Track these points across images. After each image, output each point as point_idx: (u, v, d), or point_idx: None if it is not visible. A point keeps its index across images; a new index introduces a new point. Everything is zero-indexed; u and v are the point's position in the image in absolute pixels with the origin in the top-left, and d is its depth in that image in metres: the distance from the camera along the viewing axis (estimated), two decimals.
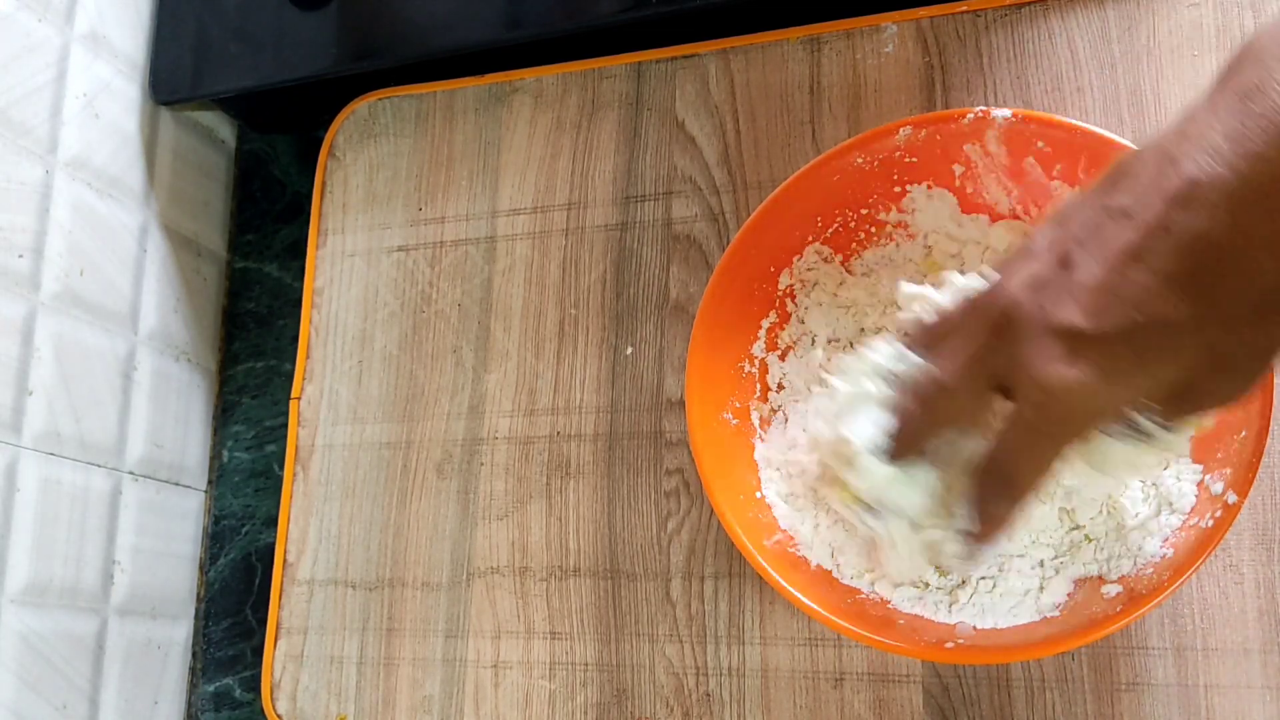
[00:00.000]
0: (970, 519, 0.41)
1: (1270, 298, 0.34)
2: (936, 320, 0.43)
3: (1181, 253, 0.34)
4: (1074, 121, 0.49)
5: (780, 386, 0.55)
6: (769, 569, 0.48)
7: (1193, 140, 0.34)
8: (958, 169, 0.52)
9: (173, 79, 0.68)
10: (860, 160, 0.52)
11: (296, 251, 0.73)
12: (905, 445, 0.43)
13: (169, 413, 0.69)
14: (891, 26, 0.59)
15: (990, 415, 0.41)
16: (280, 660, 0.62)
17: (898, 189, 0.53)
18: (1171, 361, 0.35)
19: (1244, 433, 0.44)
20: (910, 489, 0.44)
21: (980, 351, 0.39)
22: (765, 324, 0.54)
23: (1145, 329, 0.34)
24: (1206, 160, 0.33)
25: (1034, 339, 0.36)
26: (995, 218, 0.53)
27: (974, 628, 0.47)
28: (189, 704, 0.69)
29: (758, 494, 0.52)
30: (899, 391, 0.43)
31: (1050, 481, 0.41)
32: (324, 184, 0.67)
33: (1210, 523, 0.44)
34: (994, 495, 0.40)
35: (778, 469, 0.53)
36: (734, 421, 0.53)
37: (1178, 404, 0.37)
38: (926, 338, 0.43)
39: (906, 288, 0.46)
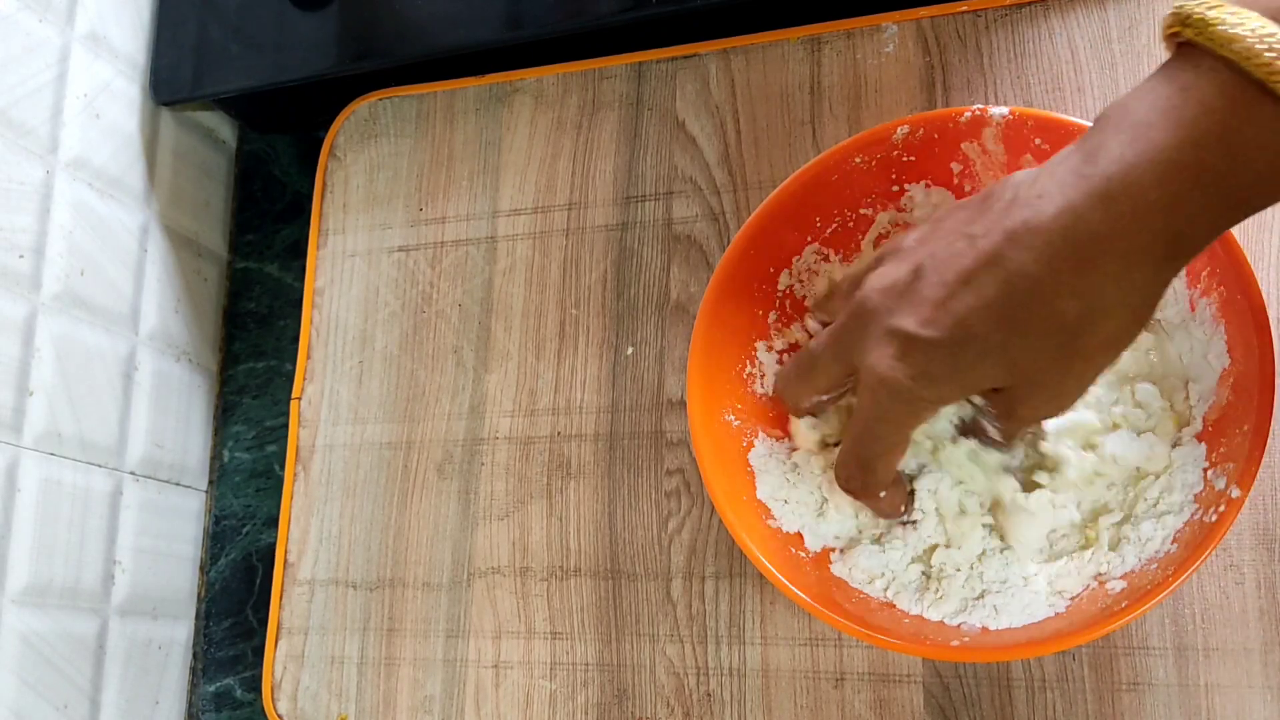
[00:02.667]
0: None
1: (1069, 337, 0.39)
2: (830, 291, 0.51)
3: (1002, 285, 0.39)
4: (1071, 119, 0.49)
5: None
6: (771, 568, 0.48)
7: (1039, 185, 0.39)
8: (956, 167, 0.52)
9: (173, 79, 0.68)
10: (859, 160, 0.52)
11: (297, 251, 0.73)
12: (790, 400, 0.50)
13: (169, 413, 0.69)
14: (892, 26, 0.59)
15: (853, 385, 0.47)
16: (281, 660, 0.62)
17: (896, 188, 0.53)
18: (982, 373, 0.41)
19: (1246, 426, 0.45)
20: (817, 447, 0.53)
21: (840, 330, 0.45)
22: (760, 344, 0.54)
23: (962, 343, 0.40)
24: (1041, 206, 0.38)
25: (876, 335, 0.42)
26: None
27: (981, 628, 0.47)
28: (189, 704, 0.69)
29: (759, 494, 0.52)
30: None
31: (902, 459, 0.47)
32: (324, 184, 0.67)
33: (1214, 517, 0.44)
34: (853, 469, 0.46)
35: (778, 469, 0.53)
36: (735, 422, 0.53)
37: (1004, 412, 0.43)
38: (821, 304, 0.52)
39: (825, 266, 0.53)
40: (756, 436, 0.53)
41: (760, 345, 0.54)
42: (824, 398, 0.48)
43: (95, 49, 0.65)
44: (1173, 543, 0.46)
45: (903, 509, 0.49)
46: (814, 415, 0.52)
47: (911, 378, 0.41)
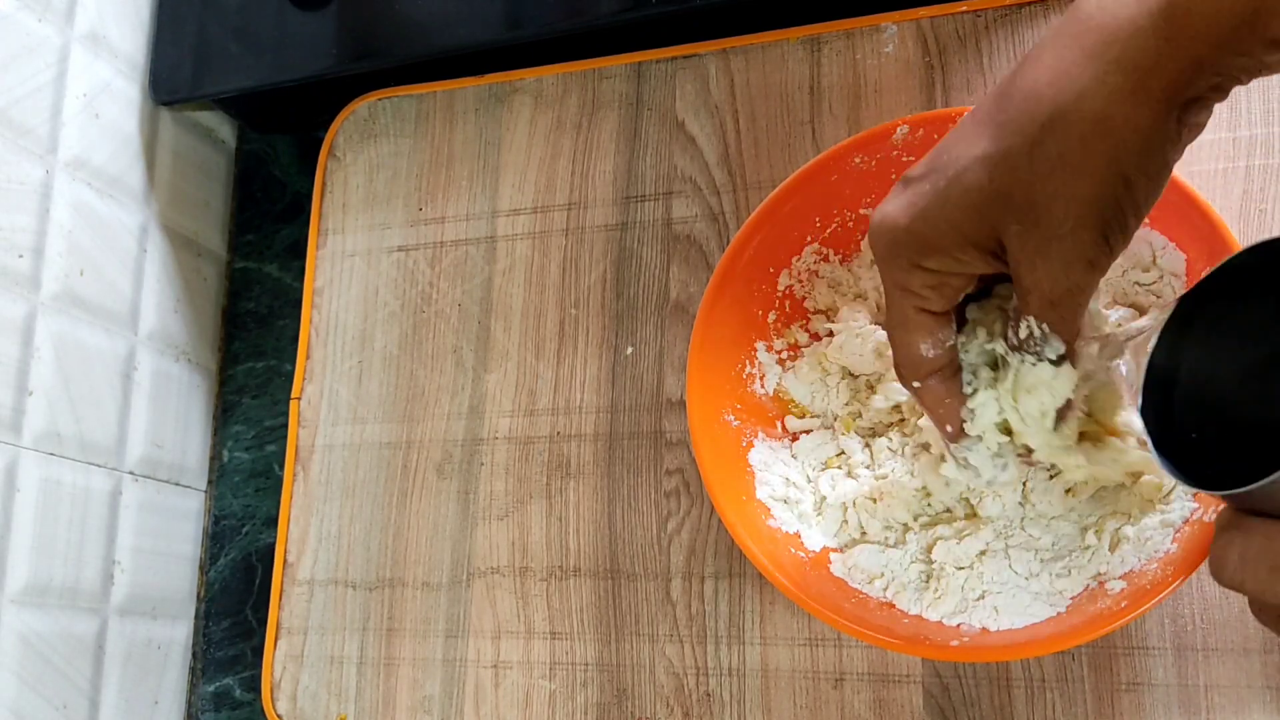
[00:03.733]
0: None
1: (1044, 126, 0.36)
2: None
3: (997, 95, 0.38)
4: None
5: (780, 386, 0.55)
6: (771, 569, 0.48)
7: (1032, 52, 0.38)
8: None
9: (173, 79, 0.68)
10: (859, 160, 0.52)
11: (296, 251, 0.73)
12: (906, 363, 0.44)
13: (169, 413, 0.69)
14: (891, 26, 0.59)
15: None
16: (280, 660, 0.62)
17: None
18: (969, 196, 0.38)
19: None
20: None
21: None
22: (760, 344, 0.54)
23: (947, 163, 0.39)
24: (1036, 62, 0.37)
25: (874, 227, 0.41)
26: None
27: (981, 628, 0.47)
28: (189, 704, 0.69)
29: (759, 494, 0.52)
30: None
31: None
32: (324, 184, 0.67)
33: (1214, 517, 0.44)
34: (898, 366, 0.44)
35: (778, 469, 0.53)
36: (735, 422, 0.53)
37: (1019, 289, 0.40)
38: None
39: None
40: (756, 436, 0.53)
41: (760, 345, 0.54)
42: (929, 347, 0.43)
43: (95, 49, 0.65)
44: (1173, 542, 0.46)
45: (955, 419, 0.45)
46: (940, 375, 0.45)
47: (901, 210, 0.40)
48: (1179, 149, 0.37)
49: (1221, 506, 0.37)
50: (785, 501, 0.52)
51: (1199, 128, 0.37)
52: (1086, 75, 0.36)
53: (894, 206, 0.40)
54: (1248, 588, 0.35)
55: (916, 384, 0.44)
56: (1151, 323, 0.40)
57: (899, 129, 0.51)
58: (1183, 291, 0.49)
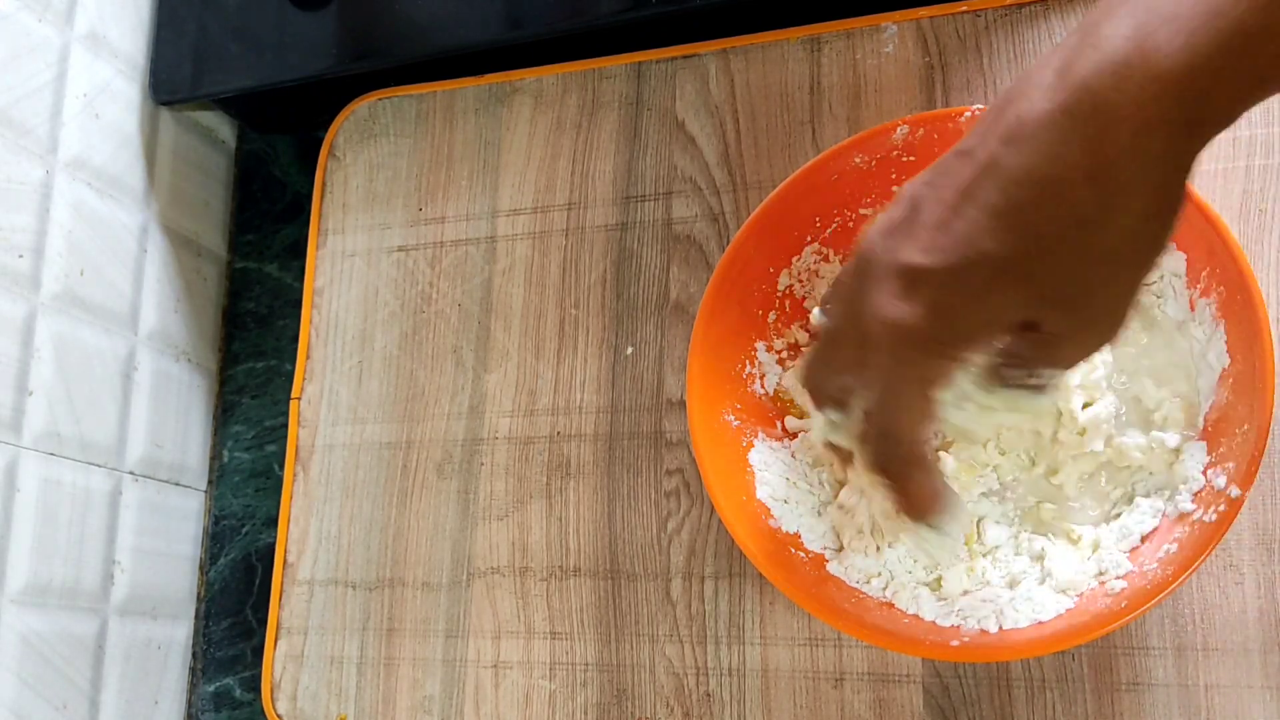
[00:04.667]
0: (881, 490, 0.41)
1: (1090, 233, 0.34)
2: (838, 280, 0.43)
3: (1006, 187, 0.34)
4: None
5: (780, 386, 0.55)
6: (769, 569, 0.48)
7: (1029, 78, 0.35)
8: None
9: (173, 79, 0.68)
10: (859, 159, 0.52)
11: (296, 251, 0.73)
12: (814, 393, 0.43)
13: (169, 413, 0.69)
14: (891, 26, 0.59)
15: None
16: (280, 660, 0.62)
17: (896, 188, 0.53)
18: (1003, 298, 0.35)
19: (1246, 426, 0.45)
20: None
21: (843, 290, 0.39)
22: (760, 344, 0.54)
23: (974, 264, 0.35)
24: (1036, 95, 0.34)
25: (880, 279, 0.37)
26: None
27: (980, 628, 0.47)
28: (189, 704, 0.69)
29: (759, 494, 0.52)
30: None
31: (931, 429, 0.40)
32: (324, 184, 0.67)
33: (1214, 517, 0.44)
34: (877, 443, 0.40)
35: (778, 469, 0.53)
36: (735, 422, 0.53)
37: (1042, 355, 0.38)
38: (829, 296, 0.44)
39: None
40: (756, 436, 0.53)
41: (760, 345, 0.54)
42: (847, 379, 0.41)
43: (95, 49, 0.65)
44: (1173, 542, 0.46)
45: (936, 509, 0.42)
46: (839, 408, 0.43)
47: (923, 315, 0.36)
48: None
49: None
50: (785, 501, 0.52)
51: None
52: (1125, 173, 0.33)
53: (904, 310, 0.36)
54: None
55: (904, 474, 0.41)
56: None
57: (899, 129, 0.51)
58: (1183, 290, 0.49)
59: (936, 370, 0.38)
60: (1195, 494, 0.46)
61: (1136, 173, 0.33)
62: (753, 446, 0.53)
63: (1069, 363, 0.39)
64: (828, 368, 0.42)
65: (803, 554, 0.51)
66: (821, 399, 0.43)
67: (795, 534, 0.51)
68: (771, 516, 0.51)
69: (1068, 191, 0.34)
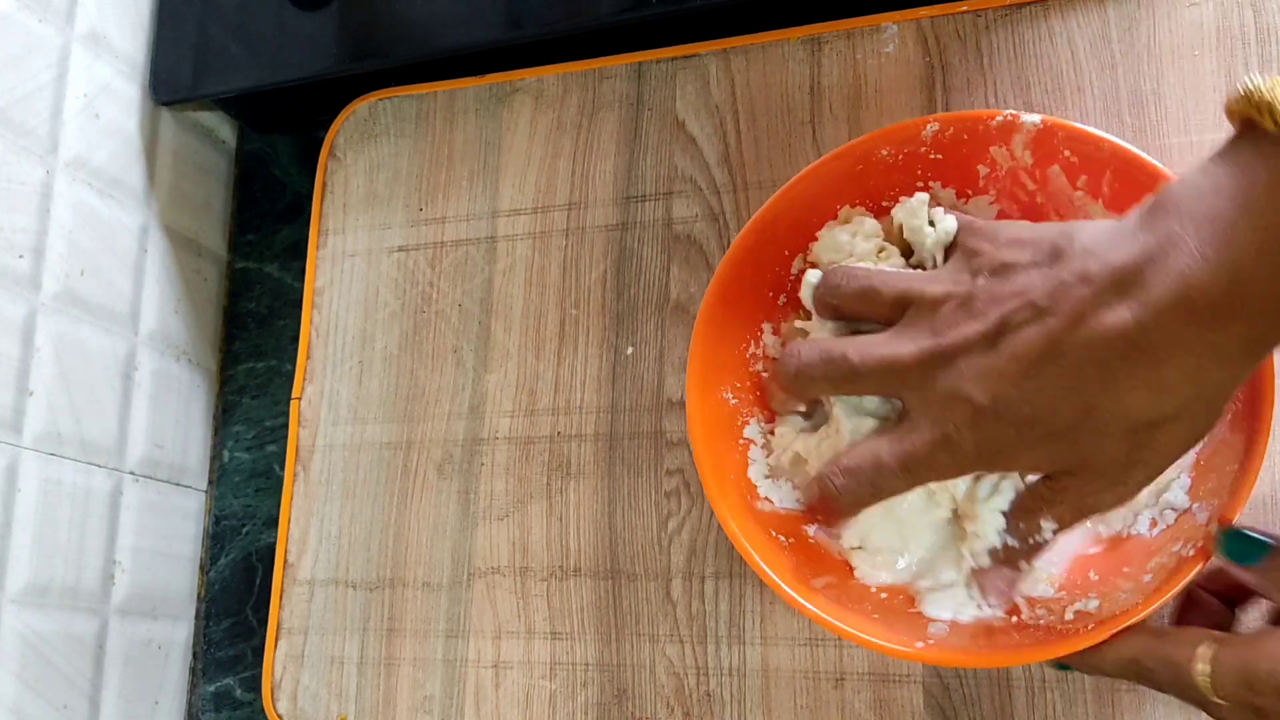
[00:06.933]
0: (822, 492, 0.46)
1: (1140, 430, 0.39)
2: (860, 287, 0.47)
3: (1076, 374, 0.39)
4: (1101, 134, 0.48)
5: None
6: (769, 570, 0.48)
7: (1112, 273, 0.38)
8: (982, 170, 0.52)
9: (173, 79, 0.68)
10: (885, 153, 0.52)
11: (297, 251, 0.73)
12: (794, 389, 0.47)
13: (169, 413, 0.69)
14: (892, 26, 0.59)
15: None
16: (281, 660, 0.62)
17: (920, 184, 0.52)
18: (1046, 453, 0.41)
19: (1234, 466, 0.44)
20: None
21: (897, 364, 0.43)
22: (766, 326, 0.54)
23: (1031, 423, 0.40)
24: (1115, 306, 0.38)
25: (947, 391, 0.41)
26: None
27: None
28: (189, 704, 0.69)
29: (759, 495, 0.52)
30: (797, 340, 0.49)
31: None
32: (324, 184, 0.67)
33: (1191, 551, 0.44)
34: (860, 483, 0.44)
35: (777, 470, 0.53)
36: (732, 400, 0.53)
37: (1063, 500, 0.42)
38: (845, 300, 0.47)
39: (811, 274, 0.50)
40: (753, 417, 0.53)
41: (767, 327, 0.54)
42: (871, 388, 0.46)
43: (95, 49, 0.65)
44: (1148, 571, 0.46)
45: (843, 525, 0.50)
46: (805, 415, 0.51)
47: (976, 446, 0.41)
48: None
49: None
50: (784, 503, 0.52)
51: None
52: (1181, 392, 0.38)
53: (963, 434, 0.41)
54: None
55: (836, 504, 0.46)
56: None
57: (929, 125, 0.51)
58: None
59: (956, 475, 0.44)
60: (1175, 521, 0.46)
61: (1193, 394, 0.38)
62: (748, 424, 0.53)
63: (1082, 513, 0.43)
64: (825, 382, 0.46)
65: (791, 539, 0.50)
66: (799, 394, 0.49)
67: (786, 514, 0.51)
68: (759, 498, 0.51)
69: (1129, 394, 0.38)
